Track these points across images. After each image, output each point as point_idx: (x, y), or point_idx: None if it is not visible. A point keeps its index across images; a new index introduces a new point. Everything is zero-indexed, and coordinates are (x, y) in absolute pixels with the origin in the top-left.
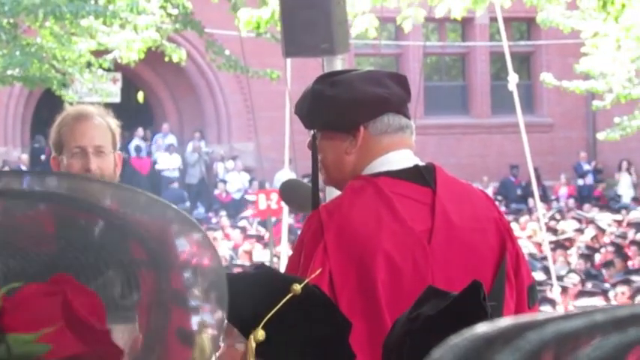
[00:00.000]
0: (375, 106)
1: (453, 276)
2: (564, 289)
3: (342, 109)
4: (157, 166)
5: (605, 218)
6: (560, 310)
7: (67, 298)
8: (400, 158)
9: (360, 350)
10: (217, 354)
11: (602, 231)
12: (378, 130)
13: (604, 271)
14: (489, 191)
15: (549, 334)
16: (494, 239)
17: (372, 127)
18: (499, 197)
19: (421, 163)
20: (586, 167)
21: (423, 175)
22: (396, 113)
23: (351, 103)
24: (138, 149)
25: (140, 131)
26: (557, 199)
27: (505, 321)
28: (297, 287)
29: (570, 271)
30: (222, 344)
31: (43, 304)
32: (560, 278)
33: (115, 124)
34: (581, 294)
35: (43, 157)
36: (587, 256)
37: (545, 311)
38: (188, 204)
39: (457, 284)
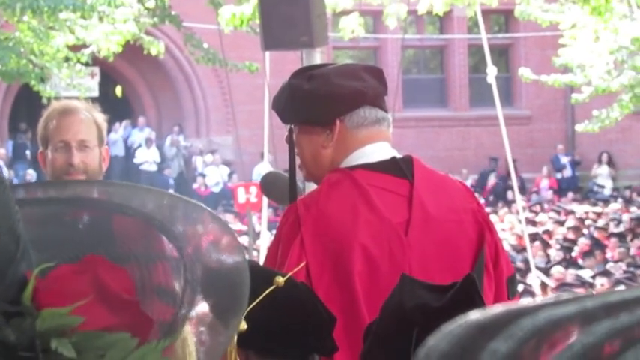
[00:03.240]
0: (352, 100)
1: (431, 267)
2: (544, 282)
3: (318, 103)
4: (135, 160)
5: (583, 210)
6: (550, 297)
7: (97, 274)
8: (377, 151)
9: (337, 341)
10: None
11: (582, 222)
12: (354, 124)
13: (582, 262)
14: (468, 184)
15: (542, 321)
16: (472, 230)
17: (349, 120)
18: (478, 190)
19: (399, 156)
20: (563, 160)
21: (400, 168)
22: (373, 106)
23: (327, 97)
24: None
25: (117, 126)
26: (538, 192)
27: (497, 308)
28: (280, 279)
29: (553, 264)
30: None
31: (75, 280)
32: (544, 271)
33: (101, 118)
34: (562, 286)
35: (27, 152)
36: (567, 248)
37: (537, 298)
38: (173, 192)
39: (434, 276)
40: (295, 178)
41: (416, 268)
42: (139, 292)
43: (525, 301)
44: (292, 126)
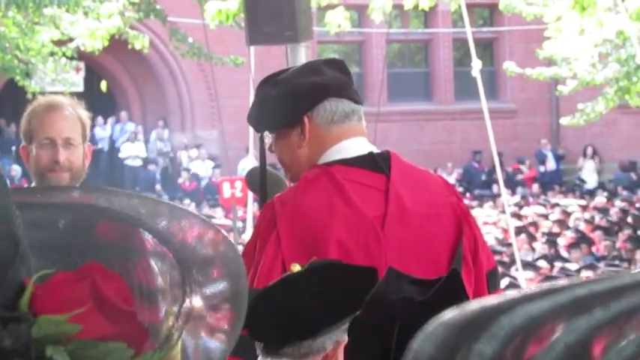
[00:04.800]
0: (312, 94)
1: (407, 261)
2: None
3: (282, 105)
4: (120, 155)
5: (569, 204)
6: (522, 290)
7: (95, 282)
8: (354, 146)
9: None
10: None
11: (568, 215)
12: (324, 120)
13: (568, 255)
14: (453, 177)
15: (520, 319)
16: (450, 224)
17: (317, 117)
18: (464, 184)
19: (376, 150)
20: (547, 154)
21: (377, 162)
22: (338, 98)
23: (289, 97)
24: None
25: (100, 120)
26: (523, 184)
27: (473, 305)
28: (297, 266)
29: (539, 257)
30: None
31: (73, 288)
32: (530, 264)
33: (85, 115)
34: (548, 279)
35: (13, 147)
36: (552, 241)
37: (509, 292)
38: (159, 186)
39: (411, 269)
40: (266, 181)
41: (392, 262)
42: (135, 300)
43: (498, 297)
44: (264, 134)
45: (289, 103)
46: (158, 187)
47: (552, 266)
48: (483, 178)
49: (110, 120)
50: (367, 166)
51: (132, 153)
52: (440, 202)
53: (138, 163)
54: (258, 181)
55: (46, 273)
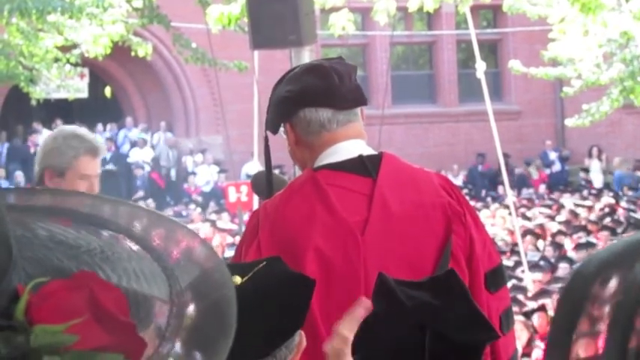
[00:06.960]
0: (284, 106)
1: (389, 266)
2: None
3: (269, 111)
4: (129, 159)
5: (575, 204)
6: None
7: (93, 292)
8: (346, 148)
9: None
10: None
11: (574, 215)
12: (302, 130)
13: (575, 255)
14: (459, 179)
15: None
16: (439, 226)
17: (297, 126)
18: (469, 185)
19: (368, 153)
20: (552, 155)
21: (365, 165)
22: (313, 107)
23: (271, 105)
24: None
25: (100, 127)
26: (529, 185)
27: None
28: (237, 279)
29: (544, 258)
30: None
31: (70, 297)
32: (535, 265)
33: None
34: (553, 280)
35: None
36: (558, 241)
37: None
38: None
39: (392, 273)
40: (272, 183)
41: (372, 267)
42: (132, 312)
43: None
44: (267, 133)
45: (271, 111)
46: (163, 192)
47: (554, 268)
48: (488, 179)
49: (109, 126)
50: (354, 170)
51: (140, 158)
52: (429, 202)
53: (146, 168)
54: (264, 185)
55: (41, 281)
